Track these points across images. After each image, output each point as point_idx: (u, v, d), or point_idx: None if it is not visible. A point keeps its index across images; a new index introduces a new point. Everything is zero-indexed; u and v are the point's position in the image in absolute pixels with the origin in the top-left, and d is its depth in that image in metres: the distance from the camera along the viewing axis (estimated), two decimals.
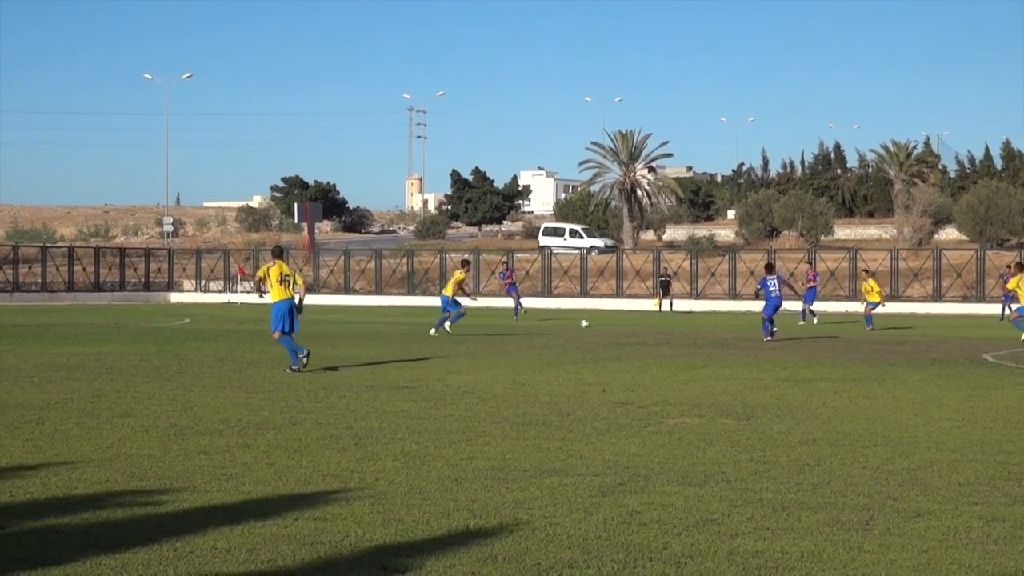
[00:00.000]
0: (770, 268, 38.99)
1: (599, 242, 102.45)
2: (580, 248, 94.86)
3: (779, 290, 37.07)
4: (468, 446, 14.61)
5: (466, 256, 72.35)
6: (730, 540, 9.83)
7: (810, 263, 53.24)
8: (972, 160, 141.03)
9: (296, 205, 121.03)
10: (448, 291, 40.03)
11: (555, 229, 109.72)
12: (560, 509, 10.95)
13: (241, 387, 21.63)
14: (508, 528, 10.16)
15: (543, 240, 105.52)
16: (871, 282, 49.33)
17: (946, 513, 10.88)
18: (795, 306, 51.86)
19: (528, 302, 69.41)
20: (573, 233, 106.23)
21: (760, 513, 10.82)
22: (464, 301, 40.62)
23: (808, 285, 52.85)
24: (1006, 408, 19.13)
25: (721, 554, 9.42)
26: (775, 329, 36.79)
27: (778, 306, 36.96)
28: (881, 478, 12.62)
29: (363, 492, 11.70)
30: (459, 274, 40.97)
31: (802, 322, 49.43)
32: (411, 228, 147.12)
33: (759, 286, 38.04)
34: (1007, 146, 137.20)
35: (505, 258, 77.95)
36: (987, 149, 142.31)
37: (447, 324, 38.92)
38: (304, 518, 10.53)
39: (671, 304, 70.77)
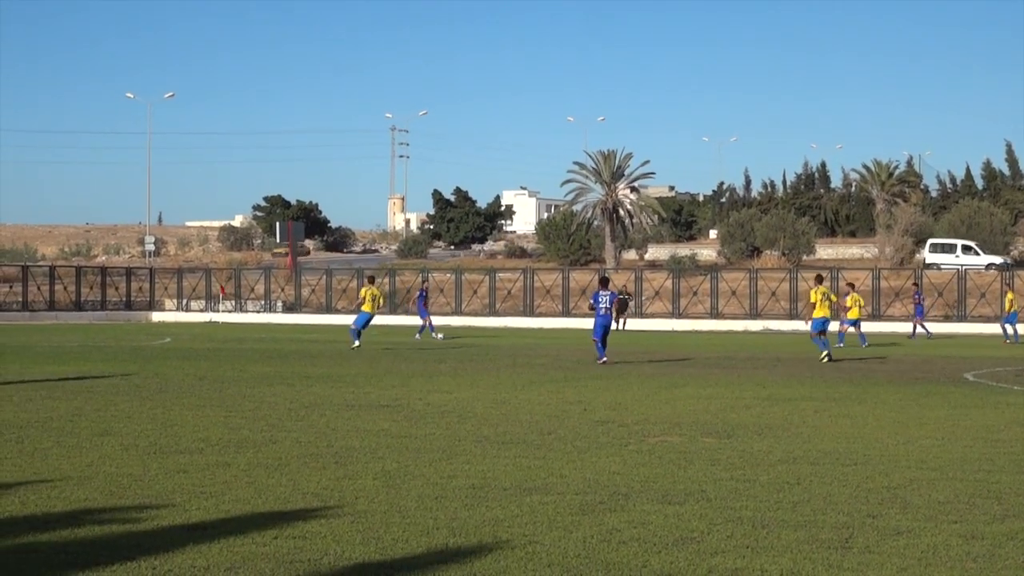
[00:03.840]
0: (604, 283, 36.45)
1: (996, 259, 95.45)
2: (975, 265, 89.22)
3: (610, 308, 35.37)
4: (448, 464, 14.60)
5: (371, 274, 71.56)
6: (709, 558, 9.83)
7: (851, 285, 52.69)
8: (953, 180, 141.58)
9: (278, 224, 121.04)
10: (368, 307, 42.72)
11: (945, 245, 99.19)
12: (540, 527, 10.94)
13: (221, 406, 21.59)
14: (488, 547, 10.16)
15: (930, 257, 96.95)
16: (855, 295, 48.94)
17: (925, 531, 10.89)
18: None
19: (508, 320, 69.27)
20: (967, 249, 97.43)
21: (740, 531, 10.83)
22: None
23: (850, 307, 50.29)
24: (986, 427, 19.16)
25: (700, 572, 9.43)
26: (604, 358, 34.56)
27: (607, 325, 35.16)
28: (861, 496, 12.63)
29: (343, 510, 11.68)
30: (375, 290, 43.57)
31: (864, 345, 48.37)
32: (393, 247, 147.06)
33: (591, 300, 36.00)
34: (988, 166, 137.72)
35: (425, 277, 77.53)
36: (968, 169, 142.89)
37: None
38: (283, 536, 10.51)
39: (624, 323, 70.13)
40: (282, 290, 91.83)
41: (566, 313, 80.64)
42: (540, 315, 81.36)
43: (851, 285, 53.21)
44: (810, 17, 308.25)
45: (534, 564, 9.62)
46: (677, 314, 78.46)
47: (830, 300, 38.26)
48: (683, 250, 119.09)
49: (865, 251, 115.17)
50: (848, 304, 48.54)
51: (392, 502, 12.14)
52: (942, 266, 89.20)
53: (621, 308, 71.10)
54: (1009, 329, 54.59)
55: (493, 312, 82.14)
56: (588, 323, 74.40)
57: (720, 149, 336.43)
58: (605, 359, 34.37)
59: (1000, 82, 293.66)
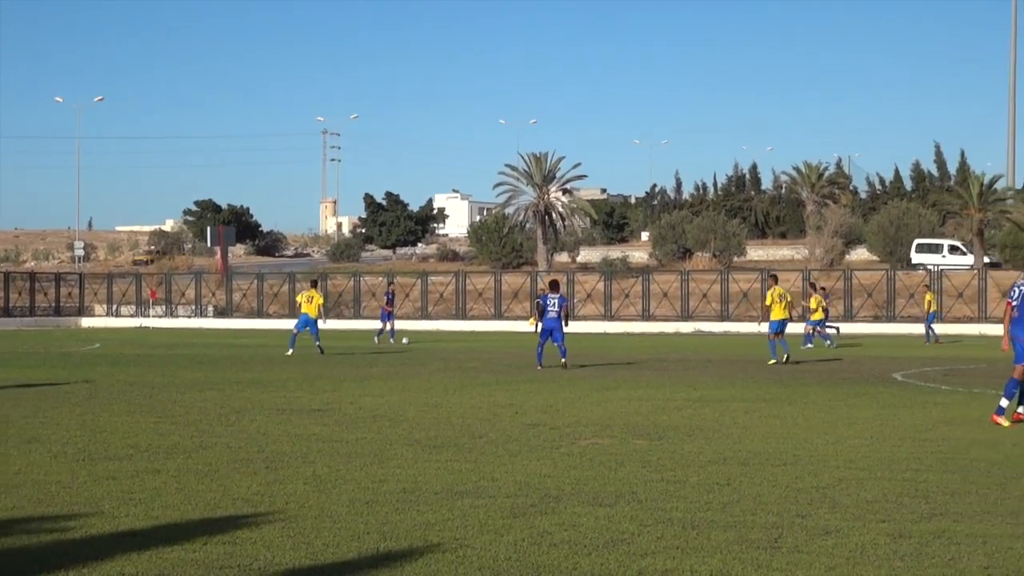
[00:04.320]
0: (554, 286, 35.48)
1: (985, 258, 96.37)
2: (962, 265, 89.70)
3: (559, 312, 34.09)
4: (380, 469, 14.57)
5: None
6: (640, 559, 9.86)
7: (813, 285, 52.68)
8: (882, 181, 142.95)
9: (209, 229, 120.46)
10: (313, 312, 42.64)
11: (931, 245, 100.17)
12: (471, 531, 10.94)
13: (151, 412, 21.46)
14: (418, 551, 10.15)
15: (916, 257, 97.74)
16: (818, 296, 48.60)
17: (854, 530, 10.96)
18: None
19: (440, 324, 69.22)
20: (953, 249, 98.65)
21: (670, 532, 10.86)
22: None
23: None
24: (914, 426, 19.31)
25: (631, 574, 9.45)
26: (540, 367, 33.66)
27: (552, 329, 33.99)
28: (790, 496, 12.70)
29: (273, 516, 11.64)
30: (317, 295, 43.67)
31: (829, 344, 47.63)
32: (325, 251, 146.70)
33: (540, 301, 35.16)
34: (916, 167, 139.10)
35: (390, 281, 77.19)
36: (897, 170, 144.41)
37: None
38: (213, 542, 10.46)
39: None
40: (213, 295, 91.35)
41: (498, 316, 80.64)
42: (472, 318, 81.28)
43: (813, 285, 53.08)
44: (739, 19, 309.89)
45: (464, 568, 9.62)
46: (609, 316, 78.61)
47: (786, 300, 37.65)
48: (615, 252, 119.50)
49: (795, 252, 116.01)
50: (812, 306, 48.24)
51: (323, 507, 12.11)
52: (928, 266, 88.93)
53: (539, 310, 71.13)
54: (933, 328, 54.98)
55: (425, 315, 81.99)
56: (521, 326, 74.63)
57: (652, 152, 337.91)
58: (540, 368, 33.46)
59: (929, 84, 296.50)
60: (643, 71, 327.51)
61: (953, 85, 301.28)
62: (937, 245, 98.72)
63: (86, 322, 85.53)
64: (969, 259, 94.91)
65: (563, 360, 33.76)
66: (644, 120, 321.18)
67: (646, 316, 78.70)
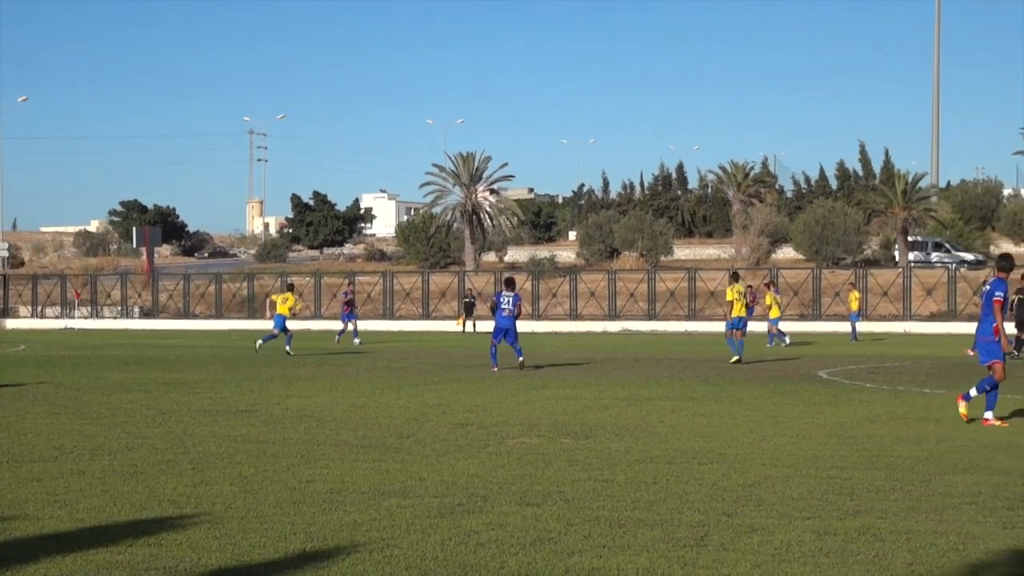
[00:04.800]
0: (509, 283, 34.37)
1: (967, 255, 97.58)
2: (948, 263, 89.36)
3: (513, 310, 33.08)
4: (307, 469, 14.53)
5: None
6: (566, 558, 9.88)
7: (767, 284, 52.40)
8: (808, 180, 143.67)
9: (135, 229, 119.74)
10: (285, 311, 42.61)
11: (917, 243, 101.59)
12: (398, 531, 10.92)
13: (76, 413, 21.30)
14: (345, 551, 10.12)
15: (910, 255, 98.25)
16: (772, 294, 48.49)
17: (779, 528, 11.03)
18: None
19: (368, 324, 69.17)
20: (937, 247, 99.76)
21: (597, 531, 10.89)
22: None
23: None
24: (839, 424, 19.44)
25: (557, 573, 9.46)
26: (495, 368, 32.84)
27: (506, 328, 33.07)
28: (716, 494, 12.76)
29: (199, 517, 11.58)
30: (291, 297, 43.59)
31: (786, 343, 47.64)
32: (252, 252, 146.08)
33: (494, 299, 34.49)
34: (841, 166, 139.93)
35: (350, 280, 77.09)
36: (822, 169, 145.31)
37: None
38: (139, 544, 10.39)
39: (474, 325, 70.34)
40: (139, 296, 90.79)
41: (426, 316, 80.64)
42: (400, 318, 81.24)
43: (768, 284, 53.04)
44: (664, 18, 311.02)
45: (391, 567, 9.61)
46: (537, 316, 78.65)
47: (745, 298, 37.45)
48: (542, 252, 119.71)
49: (722, 251, 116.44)
50: (768, 303, 48.03)
51: (249, 508, 12.06)
52: (914, 263, 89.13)
53: (468, 310, 71.32)
54: (848, 326, 55.31)
55: None
56: (448, 325, 74.64)
57: (579, 151, 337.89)
58: (496, 368, 32.72)
59: (853, 84, 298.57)
60: (570, 71, 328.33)
61: (877, 85, 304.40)
62: (922, 243, 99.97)
63: (10, 323, 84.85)
64: (955, 256, 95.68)
65: (520, 359, 33.22)
66: (571, 120, 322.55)
67: (573, 315, 78.93)
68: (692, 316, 75.55)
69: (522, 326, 70.24)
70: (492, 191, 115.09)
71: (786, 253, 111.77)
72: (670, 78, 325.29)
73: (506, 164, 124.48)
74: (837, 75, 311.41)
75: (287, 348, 42.16)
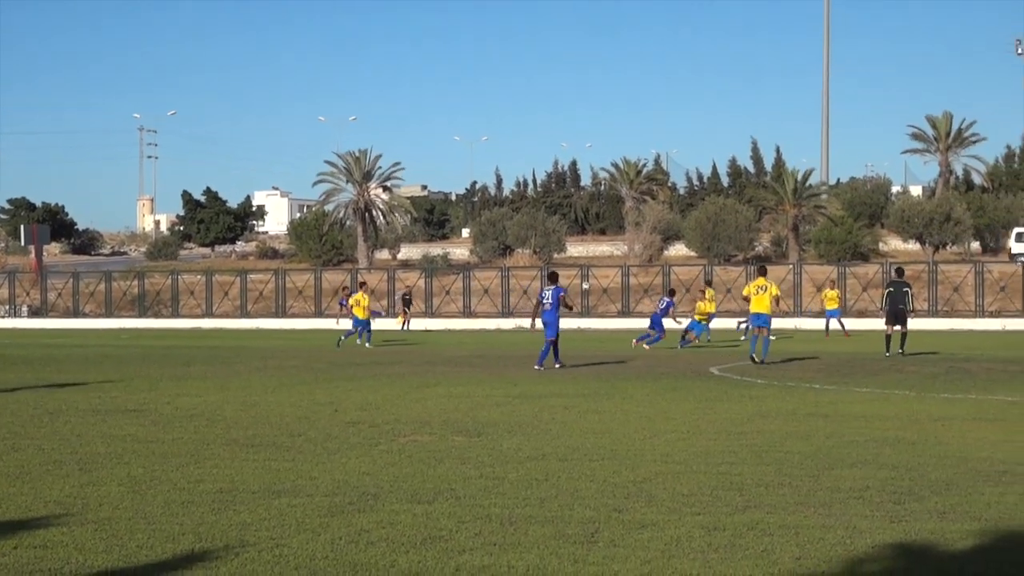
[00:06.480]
0: (552, 277, 33.86)
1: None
2: None
3: (554, 305, 32.19)
4: (196, 469, 14.41)
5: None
6: (457, 556, 9.87)
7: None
8: (701, 177, 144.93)
9: (23, 227, 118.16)
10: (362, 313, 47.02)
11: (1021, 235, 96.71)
12: (288, 530, 10.87)
13: None
14: (234, 551, 10.06)
15: (1016, 247, 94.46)
16: (711, 291, 48.19)
17: (669, 523, 11.08)
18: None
19: (259, 322, 68.79)
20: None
21: (488, 528, 10.89)
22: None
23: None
24: (729, 420, 19.57)
25: (448, 570, 9.46)
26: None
27: (547, 323, 32.22)
28: (607, 491, 12.80)
29: (86, 518, 11.45)
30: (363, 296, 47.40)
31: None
32: (143, 250, 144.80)
33: (538, 296, 33.66)
34: (733, 163, 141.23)
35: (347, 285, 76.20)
36: (715, 166, 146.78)
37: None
38: (24, 546, 10.26)
39: (408, 323, 70.12)
40: (27, 294, 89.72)
41: (319, 314, 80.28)
42: (292, 316, 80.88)
43: (709, 283, 52.85)
44: (557, 14, 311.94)
45: (281, 567, 9.56)
46: (430, 313, 78.65)
47: (770, 293, 33.93)
48: (436, 249, 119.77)
49: (615, 248, 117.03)
50: (708, 297, 47.20)
51: (137, 508, 11.95)
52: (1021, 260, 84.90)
53: (406, 305, 71.05)
54: (834, 324, 55.52)
55: (245, 314, 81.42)
56: (344, 324, 74.42)
57: (472, 148, 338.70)
58: (560, 364, 32.27)
59: (746, 81, 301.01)
60: (463, 67, 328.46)
61: (769, 82, 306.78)
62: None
63: None
64: None
65: (542, 361, 32.21)
66: (464, 117, 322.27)
67: (467, 313, 78.99)
68: (586, 313, 75.77)
69: (414, 323, 70.61)
70: (385, 188, 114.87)
71: (678, 250, 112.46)
72: (563, 75, 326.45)
73: (399, 162, 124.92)
74: (729, 73, 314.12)
75: (366, 343, 46.62)
